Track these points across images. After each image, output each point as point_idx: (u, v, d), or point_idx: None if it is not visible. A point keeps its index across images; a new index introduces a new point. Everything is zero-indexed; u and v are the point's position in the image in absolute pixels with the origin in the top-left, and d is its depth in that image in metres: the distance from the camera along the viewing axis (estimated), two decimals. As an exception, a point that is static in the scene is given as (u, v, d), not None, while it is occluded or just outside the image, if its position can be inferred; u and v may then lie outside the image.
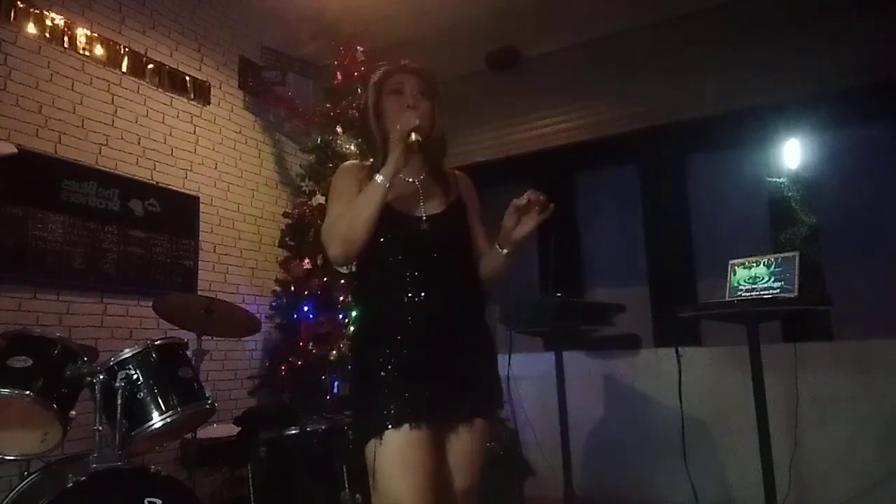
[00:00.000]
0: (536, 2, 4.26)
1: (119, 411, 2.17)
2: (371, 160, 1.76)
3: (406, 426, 1.49)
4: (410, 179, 1.73)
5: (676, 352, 3.22)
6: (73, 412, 2.27)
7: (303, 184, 4.40)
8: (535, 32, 4.51)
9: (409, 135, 1.56)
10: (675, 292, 4.15)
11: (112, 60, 3.77)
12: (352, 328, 1.76)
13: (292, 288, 4.16)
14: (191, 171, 4.18)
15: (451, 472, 1.61)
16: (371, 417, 1.53)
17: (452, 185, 1.78)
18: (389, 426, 1.49)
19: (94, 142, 3.63)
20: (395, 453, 1.48)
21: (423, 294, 1.60)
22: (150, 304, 2.97)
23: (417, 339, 1.59)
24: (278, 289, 4.29)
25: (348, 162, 1.86)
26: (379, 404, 1.53)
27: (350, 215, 1.58)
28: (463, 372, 1.61)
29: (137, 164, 3.85)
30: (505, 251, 1.69)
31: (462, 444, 1.61)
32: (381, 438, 1.49)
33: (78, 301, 3.46)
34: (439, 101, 1.76)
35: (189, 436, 2.80)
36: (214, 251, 4.28)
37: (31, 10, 3.40)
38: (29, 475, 2.24)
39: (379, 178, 1.55)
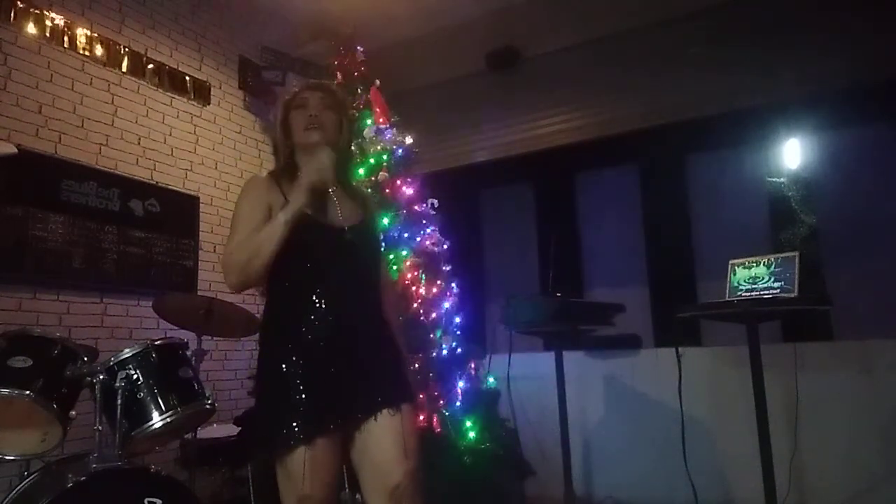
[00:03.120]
0: (536, 2, 4.27)
1: (119, 411, 2.18)
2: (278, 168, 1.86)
3: (315, 438, 1.54)
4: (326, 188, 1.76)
5: (676, 352, 3.21)
6: (73, 412, 2.27)
7: (303, 184, 4.39)
8: (535, 32, 4.51)
9: (320, 179, 1.65)
10: (675, 292, 4.15)
11: (112, 60, 3.77)
12: (259, 331, 1.78)
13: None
14: (191, 171, 4.18)
15: (383, 464, 1.62)
16: (279, 429, 1.56)
17: (362, 200, 1.88)
18: (297, 438, 1.53)
19: (94, 142, 3.63)
20: (303, 462, 1.53)
21: (335, 302, 1.65)
22: (150, 304, 2.97)
23: (324, 346, 1.62)
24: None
25: (255, 176, 1.89)
26: (287, 416, 1.56)
27: (250, 249, 1.62)
28: (367, 374, 1.64)
29: (137, 164, 3.85)
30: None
31: (382, 438, 1.62)
32: (290, 451, 1.54)
33: (78, 301, 3.46)
34: (345, 115, 1.86)
35: (189, 436, 2.80)
36: (214, 251, 4.28)
37: (31, 10, 3.40)
38: (29, 475, 2.24)
39: (282, 217, 1.61)
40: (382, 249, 1.89)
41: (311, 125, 1.75)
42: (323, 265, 1.67)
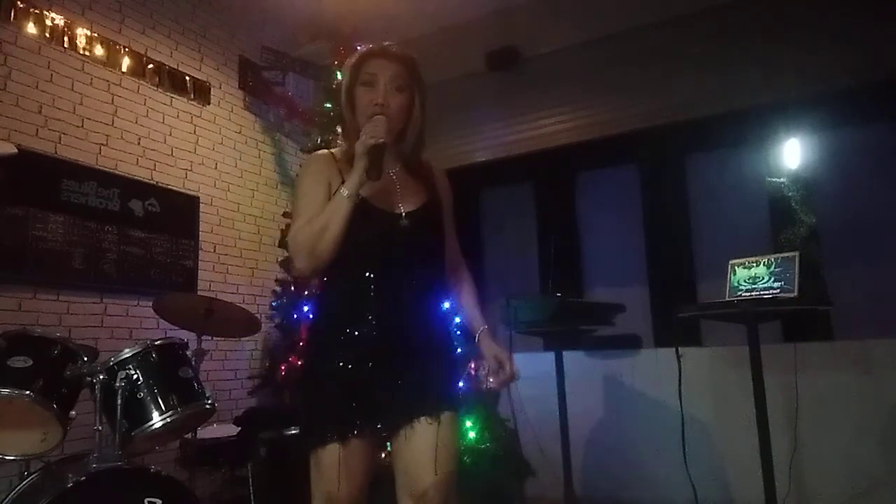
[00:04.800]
0: (536, 2, 4.27)
1: (119, 411, 2.18)
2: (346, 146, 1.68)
3: (350, 439, 1.51)
4: (386, 171, 1.62)
5: (676, 352, 3.21)
6: (73, 412, 2.27)
7: (303, 184, 4.38)
8: (535, 32, 4.51)
9: (374, 145, 1.49)
10: (675, 292, 4.16)
11: (112, 60, 3.77)
12: (313, 321, 1.71)
13: (292, 288, 4.16)
14: (191, 171, 4.18)
15: (417, 469, 1.55)
16: (316, 426, 1.55)
17: (429, 180, 1.71)
18: (332, 437, 1.51)
19: (94, 142, 3.63)
20: (337, 462, 1.51)
21: (391, 294, 1.57)
22: (150, 304, 2.97)
23: (373, 345, 1.55)
24: (278, 289, 4.29)
25: (319, 152, 1.74)
26: (325, 413, 1.54)
27: (316, 229, 1.51)
28: (413, 377, 1.56)
29: (137, 164, 3.85)
30: (477, 336, 1.72)
31: (419, 442, 1.55)
32: (325, 448, 1.52)
33: (78, 301, 3.46)
34: (421, 90, 1.65)
35: (189, 436, 2.80)
36: (214, 251, 4.28)
37: (31, 10, 3.39)
38: (29, 475, 2.24)
39: (344, 191, 1.50)
40: (447, 233, 1.72)
41: (376, 114, 1.56)
42: (376, 255, 1.57)
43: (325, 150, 1.72)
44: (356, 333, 1.55)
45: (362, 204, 1.54)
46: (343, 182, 1.54)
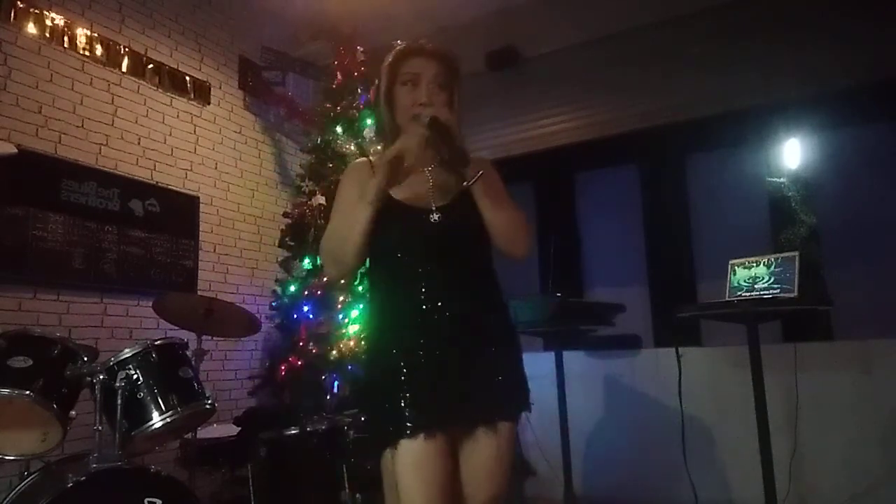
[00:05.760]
0: (536, 2, 4.26)
1: (119, 411, 2.18)
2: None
3: (421, 436, 1.40)
4: (419, 169, 1.60)
5: (676, 352, 3.21)
6: (73, 412, 2.27)
7: (303, 184, 4.38)
8: (535, 32, 4.51)
9: (399, 154, 1.48)
10: (675, 292, 4.15)
11: (112, 60, 3.77)
12: (365, 329, 1.67)
13: (292, 288, 4.16)
14: (191, 171, 4.18)
15: (473, 482, 1.49)
16: (385, 426, 1.46)
17: (465, 174, 1.60)
18: (405, 435, 1.41)
19: (94, 142, 3.63)
20: (411, 466, 1.41)
21: (437, 292, 1.50)
22: (150, 304, 2.97)
23: (433, 341, 1.48)
24: (278, 289, 4.29)
25: (358, 160, 1.73)
26: (393, 413, 1.44)
27: (337, 237, 1.53)
28: (482, 374, 1.49)
29: (137, 164, 3.85)
30: (466, 184, 1.53)
31: (482, 451, 1.49)
32: (396, 449, 1.42)
33: (78, 301, 3.46)
34: (459, 85, 1.63)
35: (189, 436, 2.80)
36: (214, 251, 4.28)
37: (31, 10, 3.39)
38: (29, 475, 2.24)
39: (364, 197, 1.49)
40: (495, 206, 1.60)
41: (419, 114, 1.52)
42: (413, 253, 1.53)
43: (364, 158, 1.71)
44: (404, 334, 1.50)
45: (395, 207, 1.53)
46: None
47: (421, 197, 1.57)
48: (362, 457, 2.68)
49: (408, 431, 1.40)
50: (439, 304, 1.49)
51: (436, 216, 1.54)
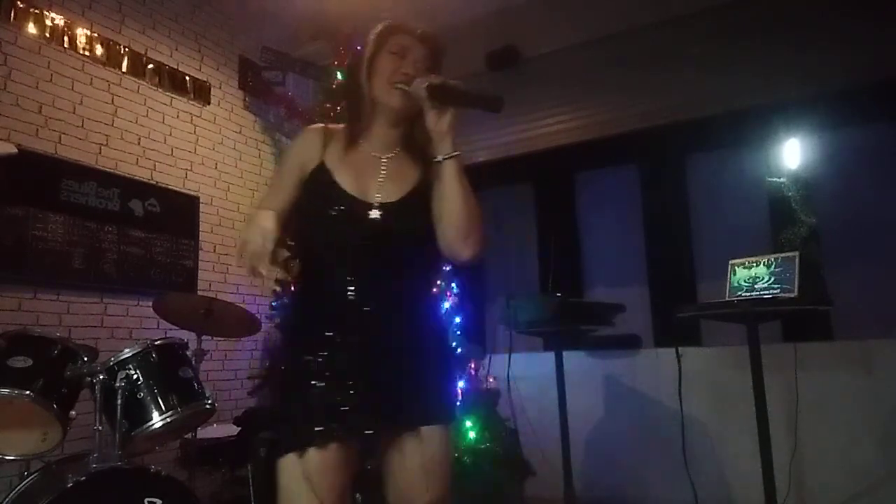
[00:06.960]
0: (536, 2, 4.26)
1: (119, 411, 2.18)
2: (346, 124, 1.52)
3: (332, 444, 1.33)
4: (376, 155, 1.49)
5: (676, 352, 3.21)
6: (73, 412, 2.27)
7: (303, 184, 4.38)
8: (535, 32, 4.50)
9: (259, 262, 1.34)
10: (675, 292, 4.15)
11: (112, 60, 3.77)
12: (279, 317, 1.55)
13: (292, 288, 4.16)
14: (191, 171, 4.18)
15: (408, 488, 1.43)
16: (294, 429, 1.36)
17: (426, 169, 1.48)
18: (314, 441, 1.32)
19: (94, 142, 3.63)
20: (311, 473, 1.32)
21: (365, 291, 1.39)
22: (150, 304, 2.97)
23: (354, 341, 1.39)
24: (278, 289, 4.29)
25: (313, 126, 1.56)
26: (304, 416, 1.35)
27: (248, 230, 1.37)
28: (405, 381, 1.41)
29: (137, 164, 3.85)
30: (442, 157, 1.40)
31: (411, 458, 1.41)
32: (301, 455, 1.32)
33: (78, 301, 3.46)
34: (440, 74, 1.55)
35: (189, 436, 2.80)
36: (214, 251, 4.28)
37: (31, 10, 3.40)
38: (29, 475, 2.24)
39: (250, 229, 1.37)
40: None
41: (401, 82, 1.42)
42: (343, 248, 1.41)
43: (320, 125, 1.56)
44: (324, 330, 1.40)
45: (335, 193, 1.42)
46: (322, 163, 1.43)
47: (365, 189, 1.44)
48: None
49: (314, 437, 1.33)
50: (363, 306, 1.39)
51: (376, 213, 1.42)
